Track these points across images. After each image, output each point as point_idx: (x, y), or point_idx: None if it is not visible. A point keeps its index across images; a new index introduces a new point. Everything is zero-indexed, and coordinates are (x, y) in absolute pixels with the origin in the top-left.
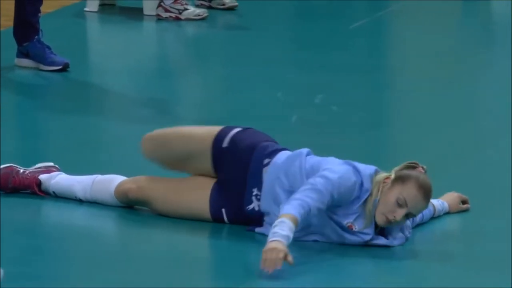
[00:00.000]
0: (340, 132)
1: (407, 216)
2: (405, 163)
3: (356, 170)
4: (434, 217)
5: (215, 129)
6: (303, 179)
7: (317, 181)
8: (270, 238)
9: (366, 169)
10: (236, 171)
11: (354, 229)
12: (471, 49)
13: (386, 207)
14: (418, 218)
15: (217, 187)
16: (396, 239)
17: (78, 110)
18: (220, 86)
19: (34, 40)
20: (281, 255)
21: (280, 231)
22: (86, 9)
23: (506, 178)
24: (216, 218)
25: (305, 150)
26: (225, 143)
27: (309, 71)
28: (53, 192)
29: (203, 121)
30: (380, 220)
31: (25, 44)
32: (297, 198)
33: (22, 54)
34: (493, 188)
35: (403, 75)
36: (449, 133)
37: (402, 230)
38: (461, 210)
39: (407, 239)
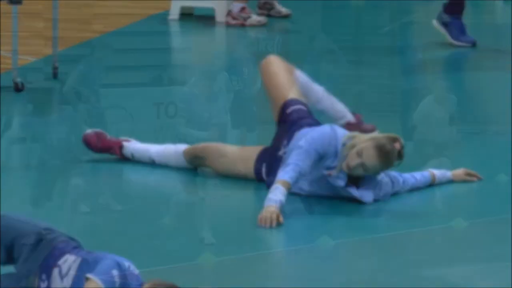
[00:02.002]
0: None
1: (363, 167)
2: (388, 135)
3: (333, 130)
4: (434, 184)
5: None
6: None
7: (302, 143)
8: (265, 204)
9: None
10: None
11: (331, 175)
12: None
13: (350, 156)
14: (410, 182)
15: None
16: (364, 195)
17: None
18: None
19: (456, 16)
20: (274, 215)
21: (274, 196)
22: (169, 17)
23: None
24: (257, 173)
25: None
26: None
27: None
28: (132, 154)
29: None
30: (344, 165)
31: (450, 16)
32: (289, 163)
33: (443, 23)
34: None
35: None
36: None
37: (374, 189)
38: (465, 180)
39: (376, 199)
